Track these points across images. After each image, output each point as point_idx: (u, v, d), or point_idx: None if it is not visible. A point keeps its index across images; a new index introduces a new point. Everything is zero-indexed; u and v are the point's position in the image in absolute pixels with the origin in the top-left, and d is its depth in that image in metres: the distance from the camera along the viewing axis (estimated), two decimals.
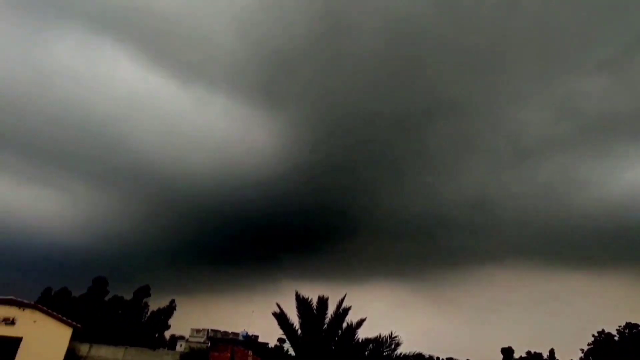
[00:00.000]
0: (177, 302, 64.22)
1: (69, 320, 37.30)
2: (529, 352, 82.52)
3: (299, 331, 19.72)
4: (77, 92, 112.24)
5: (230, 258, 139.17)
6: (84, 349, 44.91)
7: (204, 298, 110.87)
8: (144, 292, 61.54)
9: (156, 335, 61.55)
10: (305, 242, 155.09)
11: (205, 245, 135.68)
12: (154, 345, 54.97)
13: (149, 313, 61.17)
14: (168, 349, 53.68)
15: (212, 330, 49.82)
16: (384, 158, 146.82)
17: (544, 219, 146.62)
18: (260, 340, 49.93)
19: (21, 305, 34.94)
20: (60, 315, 37.23)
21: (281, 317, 19.75)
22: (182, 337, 56.34)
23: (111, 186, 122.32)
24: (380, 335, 16.56)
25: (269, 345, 54.09)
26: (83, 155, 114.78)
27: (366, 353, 16.66)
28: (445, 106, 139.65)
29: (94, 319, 50.93)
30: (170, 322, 63.15)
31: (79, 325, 38.12)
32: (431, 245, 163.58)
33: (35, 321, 35.43)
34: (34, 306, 35.82)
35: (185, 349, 46.21)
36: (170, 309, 62.57)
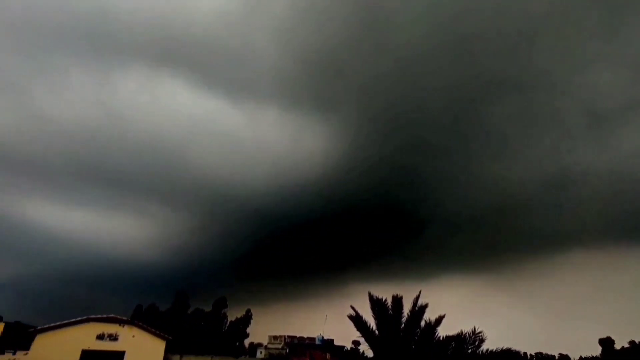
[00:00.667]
0: (252, 311, 67.54)
1: (161, 334, 40.88)
2: (632, 342, 74.22)
3: (376, 332, 20.06)
4: (144, 124, 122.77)
5: (299, 266, 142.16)
6: (175, 358, 48.76)
7: (277, 306, 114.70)
8: (222, 303, 65.41)
9: (237, 343, 65.06)
10: (371, 243, 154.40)
11: (274, 254, 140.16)
12: (235, 353, 58.17)
13: (228, 323, 64.89)
14: (249, 356, 56.51)
15: (288, 336, 51.60)
16: (446, 147, 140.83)
17: (637, 191, 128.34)
18: (335, 344, 50.81)
19: (121, 322, 38.99)
20: (153, 330, 40.95)
21: (357, 320, 20.24)
22: (260, 345, 58.91)
23: (183, 206, 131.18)
24: (462, 332, 16.35)
25: (345, 348, 54.74)
26: (156, 181, 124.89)
27: (449, 352, 16.53)
28: (506, 83, 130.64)
29: (179, 331, 55.06)
30: (248, 330, 66.48)
31: (169, 337, 41.63)
32: (506, 233, 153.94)
33: (133, 336, 39.34)
34: (132, 322, 39.79)
35: (265, 355, 48.42)
36: (247, 319, 65.86)
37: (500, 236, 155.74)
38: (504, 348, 15.61)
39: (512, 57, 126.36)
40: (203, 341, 59.02)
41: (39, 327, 36.25)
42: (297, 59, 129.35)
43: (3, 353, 36.34)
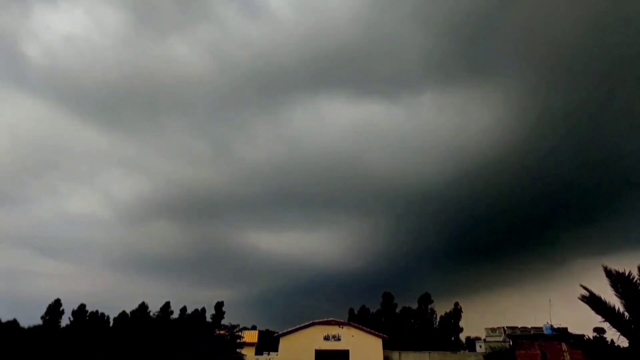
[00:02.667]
0: (460, 304, 64.98)
1: (377, 333, 43.39)
2: None
3: (625, 314, 16.09)
4: (316, 144, 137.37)
5: (502, 248, 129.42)
6: (394, 356, 50.66)
7: (486, 296, 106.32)
8: (426, 299, 65.36)
9: (452, 338, 63.43)
10: (578, 215, 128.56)
11: (470, 244, 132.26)
12: (451, 348, 56.61)
13: (437, 318, 64.21)
14: (468, 351, 54.00)
15: (508, 327, 47.06)
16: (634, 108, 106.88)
17: None
18: (570, 331, 43.47)
19: (340, 324, 43.32)
20: (368, 329, 43.91)
21: (593, 301, 16.71)
22: (478, 338, 55.66)
23: (368, 212, 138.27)
24: None
25: (586, 337, 46.03)
26: (339, 194, 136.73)
27: None
28: None
29: (390, 329, 57.25)
30: (461, 324, 64.07)
31: (385, 336, 43.76)
32: None
33: (353, 336, 43.08)
34: (349, 324, 43.74)
35: (485, 349, 45.31)
36: (456, 312, 63.73)
37: None
38: None
39: None
40: (415, 338, 59.76)
41: (280, 333, 43.64)
42: (441, 34, 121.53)
43: (261, 354, 45.07)
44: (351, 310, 68.82)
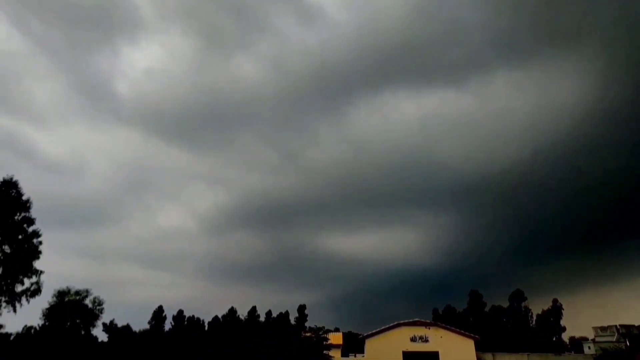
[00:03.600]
0: (559, 301, 59.03)
1: (468, 333, 41.16)
2: None
3: None
4: (381, 144, 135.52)
5: (603, 242, 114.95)
6: (488, 358, 47.57)
7: (589, 291, 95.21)
8: (519, 296, 60.42)
9: (553, 338, 57.76)
10: None
11: (563, 235, 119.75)
12: (552, 349, 51.53)
13: (534, 317, 58.99)
14: (574, 353, 48.79)
15: (622, 326, 41.71)
16: None
17: None
18: None
19: (426, 324, 41.87)
20: (457, 330, 41.83)
21: None
22: (584, 339, 50.10)
23: (442, 206, 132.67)
24: None
25: None
26: (409, 191, 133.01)
27: None
28: None
29: (479, 330, 53.81)
30: (562, 322, 58.08)
31: (477, 336, 41.34)
32: None
33: (441, 337, 41.34)
34: (437, 324, 42.09)
35: (595, 350, 40.58)
36: (556, 310, 57.93)
37: None
38: None
39: None
40: (509, 338, 55.51)
41: (366, 334, 43.42)
42: (508, 8, 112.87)
43: (347, 356, 45.20)
44: (435, 310, 66.25)
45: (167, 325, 60.86)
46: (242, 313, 66.24)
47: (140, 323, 65.85)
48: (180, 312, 62.57)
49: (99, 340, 51.25)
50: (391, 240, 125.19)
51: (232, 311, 65.71)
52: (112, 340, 54.63)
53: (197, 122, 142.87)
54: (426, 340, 41.50)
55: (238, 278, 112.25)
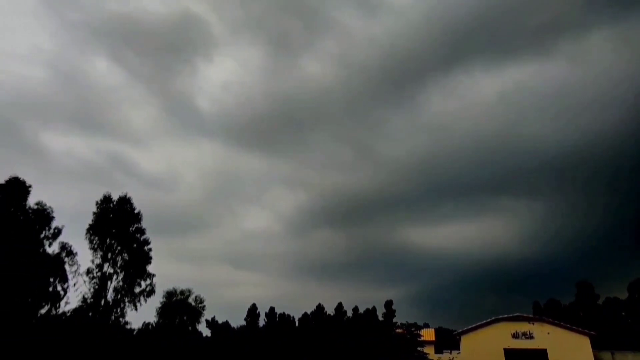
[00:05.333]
0: None
1: (581, 329, 37.04)
2: None
3: None
4: (459, 131, 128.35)
5: None
6: (606, 357, 42.32)
7: None
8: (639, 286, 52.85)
9: None
10: None
11: None
12: None
13: None
14: None
15: None
16: None
17: None
18: None
19: (530, 320, 38.55)
20: (568, 325, 37.84)
21: None
22: None
23: (539, 190, 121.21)
24: None
25: None
26: (506, 176, 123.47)
27: None
28: None
29: (590, 325, 48.04)
30: None
31: (592, 332, 37.02)
32: None
33: (548, 333, 37.72)
34: (542, 319, 38.55)
35: None
36: None
37: None
38: None
39: None
40: (629, 334, 48.74)
41: (461, 330, 41.36)
42: None
43: (441, 353, 43.52)
44: (536, 304, 60.81)
45: (261, 322, 64.25)
46: (329, 309, 67.48)
47: (235, 320, 70.61)
48: (272, 309, 65.70)
49: (204, 335, 56.01)
50: (478, 230, 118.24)
51: (320, 307, 67.21)
52: (214, 336, 59.31)
53: (272, 127, 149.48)
54: (531, 337, 38.21)
55: (322, 275, 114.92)
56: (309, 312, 67.82)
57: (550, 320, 38.80)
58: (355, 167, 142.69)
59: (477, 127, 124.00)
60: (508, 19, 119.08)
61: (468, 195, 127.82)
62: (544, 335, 37.80)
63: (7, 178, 28.80)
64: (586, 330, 36.94)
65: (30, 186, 30.15)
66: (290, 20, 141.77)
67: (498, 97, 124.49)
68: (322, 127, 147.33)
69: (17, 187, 28.81)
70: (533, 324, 38.42)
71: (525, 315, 39.08)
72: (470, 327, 40.77)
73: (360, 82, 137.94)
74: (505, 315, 39.25)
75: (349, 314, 67.96)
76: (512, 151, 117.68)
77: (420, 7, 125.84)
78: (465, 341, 40.61)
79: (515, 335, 38.56)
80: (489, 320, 39.83)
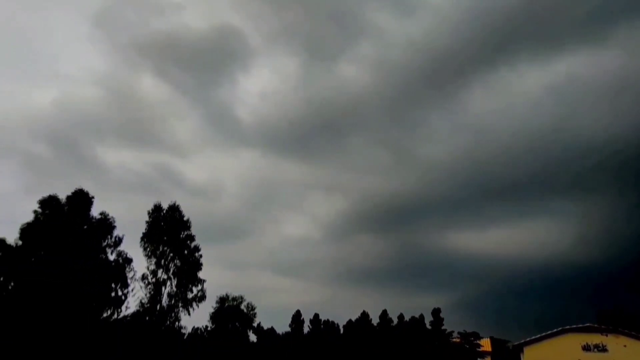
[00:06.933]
0: None
1: None
2: None
3: None
4: (500, 133, 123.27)
5: None
6: None
7: None
8: None
9: None
10: None
11: None
12: None
13: None
14: None
15: None
16: None
17: None
18: None
19: (603, 331, 35.53)
20: None
21: None
22: None
23: (593, 189, 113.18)
24: None
25: None
26: (557, 175, 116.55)
27: None
28: None
29: None
30: None
31: None
32: None
33: (625, 345, 34.61)
34: (617, 330, 35.44)
35: None
36: None
37: None
38: None
39: None
40: None
41: (524, 341, 38.79)
42: None
43: None
44: (601, 314, 56.31)
45: (306, 329, 63.64)
46: (374, 317, 65.80)
47: (280, 326, 70.39)
48: (316, 315, 64.97)
49: (250, 341, 56.08)
50: (529, 233, 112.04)
51: (365, 314, 65.74)
52: (260, 342, 59.33)
53: (309, 133, 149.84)
54: (604, 350, 35.21)
55: (365, 282, 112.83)
56: (353, 319, 66.58)
57: (628, 331, 35.58)
58: (395, 170, 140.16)
59: (524, 124, 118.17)
60: (554, 7, 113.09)
61: (516, 197, 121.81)
62: (620, 348, 34.74)
63: (73, 190, 30.08)
64: None
65: (93, 197, 31.33)
66: (325, 26, 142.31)
67: (546, 91, 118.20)
68: (360, 132, 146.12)
69: (82, 199, 29.96)
70: (607, 335, 35.39)
71: (596, 325, 36.09)
72: (533, 337, 38.19)
73: (398, 84, 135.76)
74: (575, 326, 36.44)
75: (394, 321, 66.06)
76: (563, 148, 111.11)
77: (459, 2, 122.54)
78: (529, 353, 38.04)
79: (586, 348, 35.68)
80: (556, 330, 37.14)
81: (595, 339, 35.61)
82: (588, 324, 36.29)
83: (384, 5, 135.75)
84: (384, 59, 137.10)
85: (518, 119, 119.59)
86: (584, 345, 35.63)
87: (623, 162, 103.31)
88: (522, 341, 39.03)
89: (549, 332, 37.34)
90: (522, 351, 38.74)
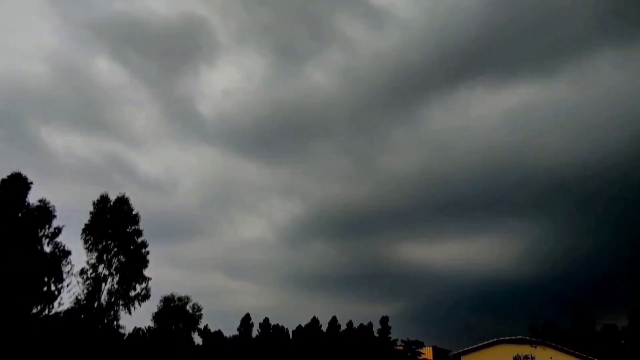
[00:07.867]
0: None
1: (584, 355, 36.46)
2: None
3: None
4: (461, 150, 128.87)
5: None
6: None
7: None
8: None
9: None
10: None
11: None
12: None
13: None
14: None
15: None
16: None
17: None
18: None
19: (533, 343, 37.90)
20: (571, 350, 37.26)
21: None
22: None
23: (544, 210, 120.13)
24: None
25: None
26: (510, 195, 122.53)
27: None
28: None
29: (585, 351, 47.36)
30: None
31: (594, 359, 36.44)
32: None
33: (551, 358, 37.09)
34: (545, 343, 37.92)
35: None
36: None
37: None
38: None
39: None
40: None
41: (461, 350, 40.58)
42: None
43: None
44: (533, 328, 59.98)
45: (255, 333, 62.75)
46: (323, 323, 66.08)
47: (228, 329, 68.94)
48: (266, 320, 64.29)
49: (195, 343, 54.47)
50: (477, 249, 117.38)
51: (315, 320, 65.92)
52: (205, 344, 57.82)
53: (272, 135, 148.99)
54: None
55: (317, 288, 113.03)
56: (303, 325, 66.51)
57: (555, 344, 38.20)
58: (356, 179, 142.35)
59: (481, 144, 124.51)
60: (513, 41, 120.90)
61: (469, 214, 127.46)
62: (546, 359, 37.16)
63: (9, 173, 27.98)
64: (590, 357, 36.36)
65: (31, 183, 29.30)
66: (296, 29, 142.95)
67: (503, 115, 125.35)
68: (323, 137, 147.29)
69: (19, 183, 27.96)
70: (536, 347, 37.77)
71: (528, 338, 38.47)
72: (470, 347, 40.04)
73: (364, 94, 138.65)
74: (507, 338, 38.63)
75: (343, 327, 66.71)
76: (518, 170, 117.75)
77: (426, 22, 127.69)
78: None
79: (516, 358, 37.80)
80: (491, 341, 39.17)
81: (525, 350, 37.79)
82: (520, 336, 38.58)
83: (354, 15, 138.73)
84: (352, 68, 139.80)
85: (475, 139, 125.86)
86: (515, 356, 37.71)
87: (566, 187, 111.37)
88: (460, 350, 40.81)
89: (485, 342, 39.32)
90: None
